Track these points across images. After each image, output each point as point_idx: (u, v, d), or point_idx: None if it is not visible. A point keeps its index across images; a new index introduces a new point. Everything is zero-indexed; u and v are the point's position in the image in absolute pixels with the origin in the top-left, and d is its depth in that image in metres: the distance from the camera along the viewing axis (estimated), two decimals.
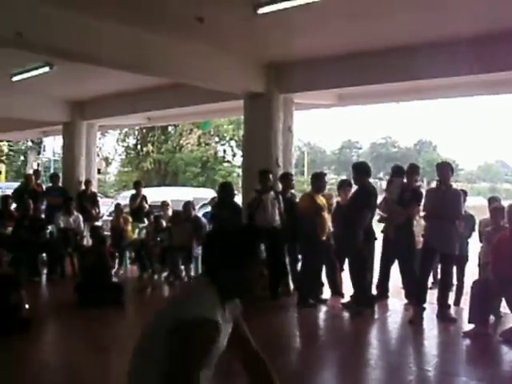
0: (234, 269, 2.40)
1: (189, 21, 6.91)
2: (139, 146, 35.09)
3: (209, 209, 12.57)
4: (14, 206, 11.27)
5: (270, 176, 8.95)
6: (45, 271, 10.62)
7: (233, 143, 34.66)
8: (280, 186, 9.28)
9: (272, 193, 8.88)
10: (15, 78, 10.30)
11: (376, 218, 8.87)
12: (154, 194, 15.33)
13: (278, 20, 6.97)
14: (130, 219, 11.85)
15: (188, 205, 10.67)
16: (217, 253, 2.46)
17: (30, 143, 30.41)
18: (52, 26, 6.63)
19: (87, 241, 11.36)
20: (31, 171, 13.85)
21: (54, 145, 30.77)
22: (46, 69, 9.38)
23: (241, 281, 2.43)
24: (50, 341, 7.09)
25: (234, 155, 35.04)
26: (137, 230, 11.83)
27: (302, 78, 9.49)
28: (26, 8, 6.28)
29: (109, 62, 8.10)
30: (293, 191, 9.51)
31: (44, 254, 10.78)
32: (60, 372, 5.78)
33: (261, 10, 6.65)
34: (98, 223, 12.17)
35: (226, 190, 9.40)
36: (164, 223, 11.08)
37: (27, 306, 7.12)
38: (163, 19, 7.13)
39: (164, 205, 11.93)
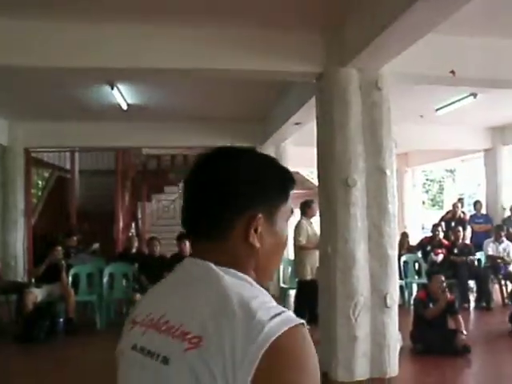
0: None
1: None
2: None
3: None
4: (441, 234, 11.62)
5: None
6: (473, 298, 10.72)
7: None
8: None
9: None
10: (439, 112, 10.81)
11: None
12: None
13: None
14: None
15: None
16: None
17: (444, 171, 31.04)
18: (478, 57, 6.75)
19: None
20: (456, 200, 14.09)
21: (465, 172, 30.79)
22: (471, 99, 9.61)
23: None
24: (484, 369, 7.08)
25: None
26: None
27: None
28: (452, 45, 6.55)
29: None
30: None
31: (473, 281, 10.88)
32: None
33: None
34: None
35: None
36: None
37: (465, 332, 7.32)
38: None
39: None
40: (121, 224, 13.79)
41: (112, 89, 8.41)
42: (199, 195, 1.26)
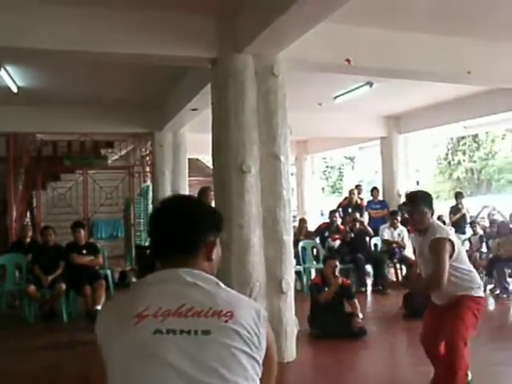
0: None
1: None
2: (450, 155, 34.27)
3: None
4: (339, 220, 11.86)
5: None
6: (370, 282, 11.03)
7: None
8: None
9: None
10: (337, 100, 11.00)
11: None
12: (473, 205, 14.90)
13: None
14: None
15: None
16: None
17: (343, 159, 31.81)
18: (373, 47, 6.88)
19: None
20: (353, 186, 14.40)
21: (364, 159, 31.66)
22: (367, 88, 9.83)
23: None
24: (379, 350, 7.22)
25: None
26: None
27: None
28: (348, 34, 6.64)
29: (427, 76, 8.04)
30: None
31: (369, 266, 11.17)
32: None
33: None
34: None
35: None
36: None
37: (361, 315, 7.50)
38: (483, 27, 6.89)
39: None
40: (14, 213, 13.20)
41: None
42: (176, 229, 1.86)
